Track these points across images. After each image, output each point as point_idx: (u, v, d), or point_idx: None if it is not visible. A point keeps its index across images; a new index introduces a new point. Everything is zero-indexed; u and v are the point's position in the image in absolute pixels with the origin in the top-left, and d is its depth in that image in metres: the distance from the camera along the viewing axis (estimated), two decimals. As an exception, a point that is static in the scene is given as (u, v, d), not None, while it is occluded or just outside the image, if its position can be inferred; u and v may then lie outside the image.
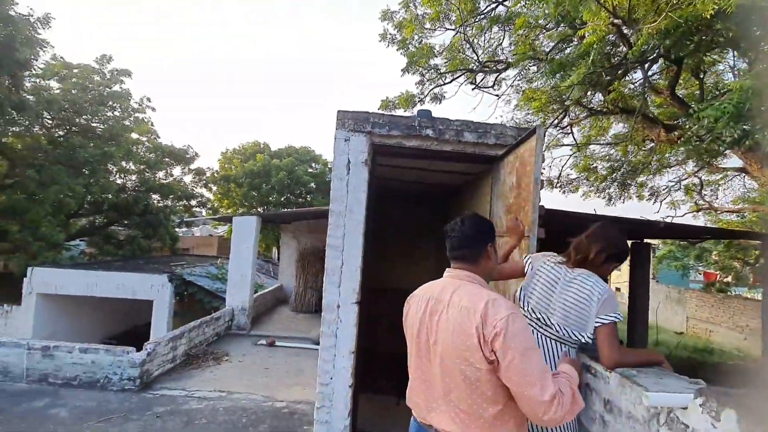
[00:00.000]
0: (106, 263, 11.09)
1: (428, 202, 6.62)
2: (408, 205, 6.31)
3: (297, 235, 10.01)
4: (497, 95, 7.41)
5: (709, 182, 9.06)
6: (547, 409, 1.17)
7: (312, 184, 21.27)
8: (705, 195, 8.76)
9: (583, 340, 1.62)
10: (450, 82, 7.13)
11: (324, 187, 21.44)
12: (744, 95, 2.46)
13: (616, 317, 1.59)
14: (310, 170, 21.64)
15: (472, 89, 7.21)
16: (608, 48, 4.14)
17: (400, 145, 3.09)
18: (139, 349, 4.29)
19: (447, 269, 1.55)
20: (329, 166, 22.70)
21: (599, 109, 6.13)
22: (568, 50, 7.05)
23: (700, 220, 9.91)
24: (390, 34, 8.08)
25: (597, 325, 1.60)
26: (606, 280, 1.87)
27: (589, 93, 6.23)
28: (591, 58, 3.99)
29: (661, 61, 4.92)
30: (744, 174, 7.73)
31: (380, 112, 3.18)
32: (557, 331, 1.65)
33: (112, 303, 9.37)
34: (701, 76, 5.87)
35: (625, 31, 3.66)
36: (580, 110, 6.59)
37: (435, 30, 7.45)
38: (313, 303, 8.84)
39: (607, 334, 1.60)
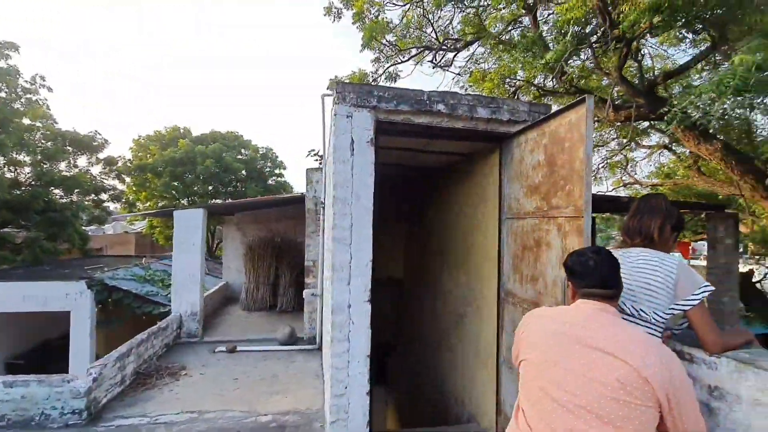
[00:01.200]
0: (2, 272, 9.25)
1: (402, 186, 6.38)
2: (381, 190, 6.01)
3: (242, 227, 9.18)
4: (458, 74, 7.32)
5: (632, 159, 10.02)
6: None
7: (243, 172, 19.82)
8: (630, 171, 9.70)
9: (661, 319, 1.50)
10: (408, 60, 6.86)
11: (256, 175, 20.14)
12: (746, 69, 2.54)
13: (705, 290, 1.49)
14: (239, 157, 20.12)
15: (433, 68, 7.03)
16: (580, 27, 4.18)
17: (409, 122, 2.77)
18: (54, 366, 3.51)
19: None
20: (261, 151, 21.36)
21: (555, 89, 6.31)
22: (516, 32, 7.17)
23: (623, 194, 10.96)
24: (336, 8, 7.55)
25: (687, 307, 1.49)
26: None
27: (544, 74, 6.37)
28: (569, 34, 3.99)
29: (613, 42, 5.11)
30: (664, 150, 8.64)
31: (384, 85, 2.83)
32: (639, 315, 1.53)
33: (14, 318, 7.85)
34: (639, 58, 6.29)
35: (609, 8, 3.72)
36: (534, 92, 6.74)
37: (386, 3, 7.08)
38: (267, 300, 8.21)
39: (701, 315, 1.50)
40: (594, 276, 1.37)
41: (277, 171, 21.54)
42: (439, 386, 4.66)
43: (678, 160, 8.73)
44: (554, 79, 6.58)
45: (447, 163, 4.29)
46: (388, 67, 6.92)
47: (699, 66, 6.10)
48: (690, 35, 5.25)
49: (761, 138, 6.25)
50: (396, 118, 2.76)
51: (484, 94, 2.76)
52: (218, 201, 17.44)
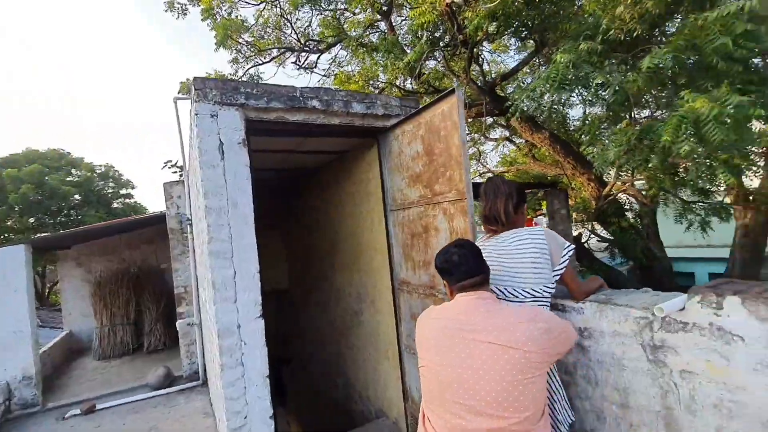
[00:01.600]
0: None
1: (278, 191, 6.03)
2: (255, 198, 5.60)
3: (84, 262, 7.58)
4: (324, 75, 7.27)
5: (483, 151, 11.45)
6: None
7: (77, 197, 16.49)
8: (482, 161, 11.08)
9: (548, 290, 1.64)
10: (269, 61, 6.55)
11: (95, 198, 16.99)
12: (565, 66, 3.07)
13: (570, 249, 1.68)
14: (70, 179, 16.71)
15: (297, 69, 6.84)
16: (431, 31, 4.56)
17: (282, 120, 2.61)
18: None
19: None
20: (98, 170, 18.07)
21: (415, 90, 6.78)
22: (374, 36, 7.50)
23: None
24: (179, 2, 6.81)
25: (563, 270, 1.66)
26: None
27: (403, 75, 6.79)
28: (424, 38, 4.30)
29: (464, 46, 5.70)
30: (506, 141, 10.09)
31: (250, 82, 2.59)
32: (533, 294, 1.63)
33: None
34: (480, 62, 7.19)
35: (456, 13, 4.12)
36: (397, 93, 7.14)
37: (238, 1, 6.67)
38: (128, 342, 6.94)
39: (570, 271, 1.73)
40: (461, 269, 1.46)
41: (123, 191, 18.58)
42: (343, 388, 4.57)
43: (517, 149, 10.29)
44: (413, 80, 7.06)
45: (324, 162, 4.21)
46: (248, 69, 6.52)
47: (525, 69, 7.26)
48: (516, 42, 6.20)
49: (573, 127, 7.78)
50: (268, 116, 2.57)
51: (356, 90, 2.80)
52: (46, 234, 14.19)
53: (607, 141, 3.88)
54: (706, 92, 2.75)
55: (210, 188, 2.34)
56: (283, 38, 6.66)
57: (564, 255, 1.66)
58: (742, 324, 1.25)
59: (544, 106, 3.51)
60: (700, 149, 2.72)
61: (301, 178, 4.92)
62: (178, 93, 6.46)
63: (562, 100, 3.81)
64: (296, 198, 5.32)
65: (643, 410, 1.53)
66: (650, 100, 4.33)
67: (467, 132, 10.45)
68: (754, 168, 4.45)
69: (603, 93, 3.02)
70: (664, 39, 2.91)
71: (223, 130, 2.39)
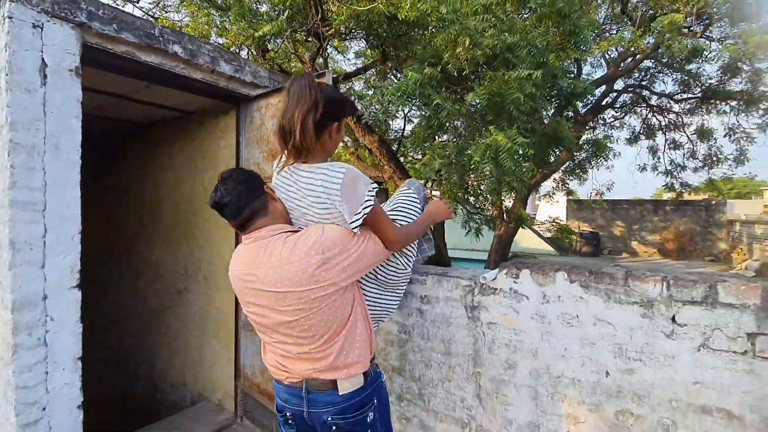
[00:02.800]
0: None
1: (91, 143, 4.71)
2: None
3: None
4: (147, 13, 6.04)
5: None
6: None
7: None
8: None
9: None
10: None
11: None
12: (414, 82, 3.62)
13: (369, 199, 1.32)
14: None
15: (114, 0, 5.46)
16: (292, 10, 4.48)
17: (132, 57, 2.22)
18: None
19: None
20: None
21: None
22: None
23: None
24: None
25: (357, 222, 1.31)
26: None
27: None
28: (286, 15, 4.23)
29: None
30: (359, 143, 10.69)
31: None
32: None
33: None
34: (326, 57, 7.46)
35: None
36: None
37: None
38: None
39: (374, 222, 1.37)
40: (230, 208, 1.31)
41: None
42: (148, 380, 4.03)
43: (345, 147, 11.01)
44: (259, 56, 6.74)
45: (159, 118, 3.64)
46: None
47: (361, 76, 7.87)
48: (364, 48, 6.69)
49: (393, 136, 8.90)
50: (114, 47, 2.13)
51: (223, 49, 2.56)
52: None
53: (429, 153, 4.69)
54: (503, 130, 3.72)
55: (20, 119, 1.80)
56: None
57: (359, 212, 1.30)
58: (527, 288, 1.86)
59: (388, 113, 4.01)
60: (495, 171, 3.67)
61: (125, 131, 4.08)
62: None
63: (397, 111, 4.44)
64: (116, 157, 4.35)
65: (460, 354, 2.04)
66: (459, 126, 5.46)
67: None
68: (513, 193, 6.15)
69: (438, 113, 3.68)
70: (481, 83, 3.78)
71: (50, 48, 1.88)
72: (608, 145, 8.56)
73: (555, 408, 1.79)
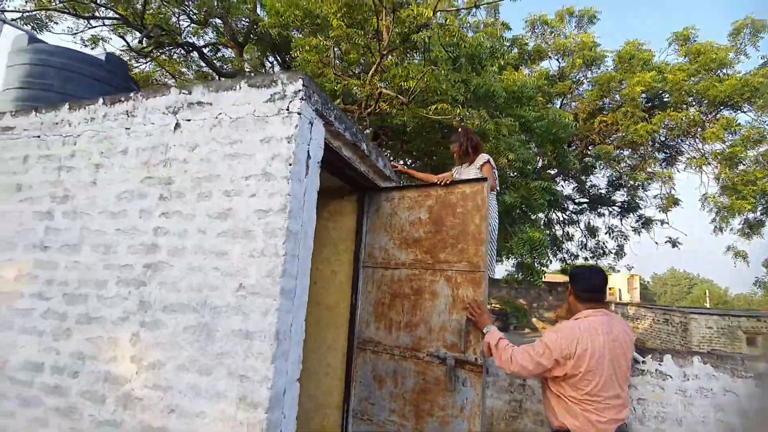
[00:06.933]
0: None
1: None
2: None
3: None
4: None
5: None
6: None
7: None
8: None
9: None
10: None
11: None
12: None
13: None
14: None
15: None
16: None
17: (338, 151, 2.37)
18: None
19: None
20: None
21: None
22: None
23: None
24: None
25: None
26: None
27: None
28: None
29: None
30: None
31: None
32: None
33: None
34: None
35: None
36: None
37: None
38: None
39: None
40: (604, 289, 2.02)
41: None
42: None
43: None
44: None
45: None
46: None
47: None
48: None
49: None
50: (331, 142, 2.29)
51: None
52: None
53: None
54: (530, 227, 4.53)
55: (294, 206, 1.84)
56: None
57: None
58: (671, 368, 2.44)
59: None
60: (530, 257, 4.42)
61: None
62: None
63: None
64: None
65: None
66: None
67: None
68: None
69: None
70: (511, 186, 4.65)
71: (314, 143, 1.99)
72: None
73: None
